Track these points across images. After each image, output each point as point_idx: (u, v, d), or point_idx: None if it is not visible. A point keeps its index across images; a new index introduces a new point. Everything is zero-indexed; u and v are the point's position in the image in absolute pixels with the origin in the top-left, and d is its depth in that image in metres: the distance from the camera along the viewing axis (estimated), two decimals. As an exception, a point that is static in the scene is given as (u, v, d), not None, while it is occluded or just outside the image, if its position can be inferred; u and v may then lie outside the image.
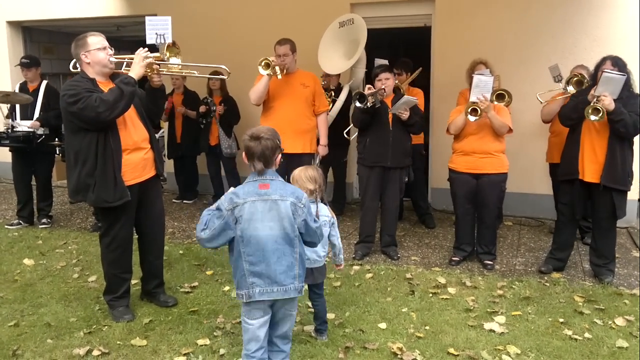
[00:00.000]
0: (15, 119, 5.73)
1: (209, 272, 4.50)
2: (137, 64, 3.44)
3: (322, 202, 3.19)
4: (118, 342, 3.35)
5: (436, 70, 6.43)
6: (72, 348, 3.27)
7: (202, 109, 6.60)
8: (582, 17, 5.82)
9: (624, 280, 4.38)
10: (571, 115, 4.23)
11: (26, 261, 4.77)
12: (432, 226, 5.92)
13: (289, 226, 2.54)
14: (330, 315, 3.63)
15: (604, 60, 4.17)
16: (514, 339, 3.39)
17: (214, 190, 7.05)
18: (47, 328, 3.54)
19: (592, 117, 3.98)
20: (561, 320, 3.62)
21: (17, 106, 5.78)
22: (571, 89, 4.63)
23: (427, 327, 3.52)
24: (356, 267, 4.60)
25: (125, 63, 3.59)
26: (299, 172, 3.17)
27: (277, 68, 4.63)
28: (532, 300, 3.94)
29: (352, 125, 5.43)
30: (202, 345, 3.30)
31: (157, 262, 3.90)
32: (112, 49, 3.55)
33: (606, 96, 3.96)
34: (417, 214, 6.15)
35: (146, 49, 3.50)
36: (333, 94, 5.94)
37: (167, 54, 3.62)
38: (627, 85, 4.06)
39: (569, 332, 3.44)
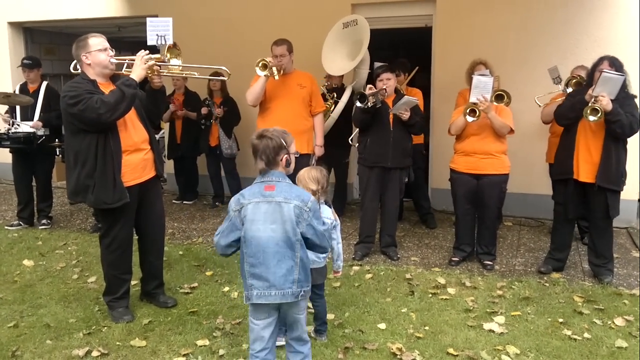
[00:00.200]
0: (16, 120, 5.73)
1: (208, 273, 4.50)
2: (138, 66, 3.44)
3: (325, 204, 3.19)
4: (117, 343, 3.35)
5: (437, 71, 6.43)
6: (72, 349, 3.27)
7: (204, 110, 6.61)
8: (584, 18, 5.82)
9: (624, 280, 4.37)
10: (568, 114, 4.23)
11: (26, 262, 4.77)
12: (434, 226, 5.92)
13: (291, 230, 2.49)
14: (329, 316, 3.63)
15: (601, 60, 4.17)
16: (514, 339, 3.38)
17: (214, 191, 7.05)
18: (47, 329, 3.54)
19: (591, 118, 3.98)
20: (561, 320, 3.61)
21: (17, 107, 5.79)
22: (570, 91, 4.63)
23: (427, 328, 3.52)
24: (356, 268, 4.60)
25: (126, 64, 3.60)
26: (302, 173, 3.17)
27: (274, 69, 4.62)
28: (532, 301, 3.94)
29: (356, 131, 5.41)
30: (201, 346, 3.30)
31: (157, 262, 3.90)
32: (113, 50, 3.55)
33: (604, 96, 3.96)
34: (418, 214, 6.15)
35: (147, 51, 3.51)
36: (335, 95, 5.93)
37: (168, 55, 3.62)
38: (624, 85, 4.06)
39: (569, 332, 3.44)
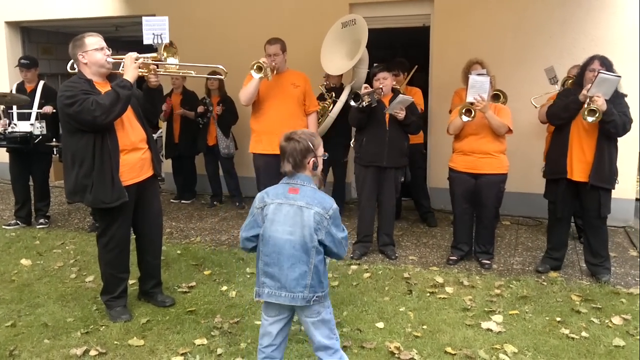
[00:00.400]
0: (12, 120, 5.72)
1: (206, 272, 4.50)
2: (130, 67, 3.44)
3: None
4: (115, 342, 3.34)
5: (435, 70, 6.44)
6: (69, 348, 3.27)
7: (200, 109, 6.60)
8: (581, 18, 5.83)
9: (621, 279, 4.38)
10: (561, 114, 4.24)
11: (23, 261, 4.76)
12: (434, 224, 5.94)
13: (309, 235, 2.47)
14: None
15: (592, 59, 4.18)
16: (511, 337, 3.39)
17: (212, 190, 7.05)
18: (44, 328, 3.53)
19: (589, 119, 3.99)
20: (558, 319, 3.62)
21: (14, 107, 5.77)
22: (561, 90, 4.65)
23: (425, 327, 3.53)
24: (354, 267, 4.60)
25: (122, 64, 3.58)
26: None
27: (268, 70, 4.60)
28: (530, 300, 3.94)
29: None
30: (199, 345, 3.30)
31: (154, 262, 3.90)
32: (110, 49, 3.54)
33: (599, 97, 3.97)
34: (419, 212, 6.16)
35: (135, 53, 3.50)
36: (334, 95, 5.93)
37: (165, 54, 3.62)
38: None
39: (566, 331, 3.45)
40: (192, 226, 6.02)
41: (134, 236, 3.82)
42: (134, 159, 3.54)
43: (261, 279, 2.55)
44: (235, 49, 6.75)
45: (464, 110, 4.40)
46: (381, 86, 4.68)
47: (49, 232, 5.71)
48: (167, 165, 7.47)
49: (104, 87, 3.45)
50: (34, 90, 5.83)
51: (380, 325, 3.54)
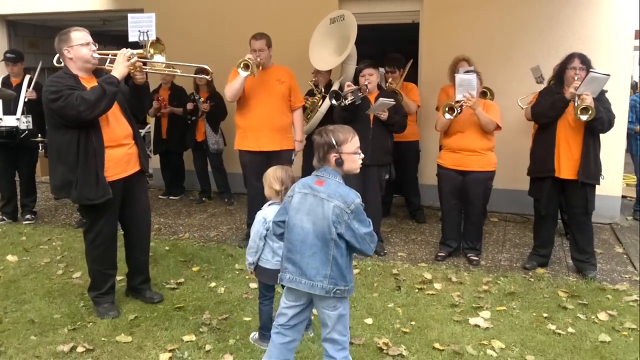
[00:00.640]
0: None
1: (195, 269, 4.48)
2: (121, 64, 3.40)
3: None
4: (103, 339, 3.32)
5: (424, 67, 6.45)
6: (56, 345, 3.24)
7: (190, 106, 6.56)
8: (569, 16, 5.87)
9: (607, 276, 4.43)
10: (548, 113, 4.25)
11: (10, 257, 4.71)
12: (423, 221, 5.97)
13: (327, 227, 2.49)
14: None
15: (571, 57, 4.22)
16: (499, 333, 3.42)
17: (200, 186, 7.02)
18: (31, 325, 3.50)
19: (583, 117, 4.01)
20: (545, 315, 3.65)
21: (0, 101, 5.70)
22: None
23: (413, 323, 3.54)
24: (343, 263, 4.60)
25: (109, 59, 3.55)
26: (268, 172, 3.20)
27: (255, 68, 4.57)
28: (517, 296, 3.97)
29: None
30: (187, 342, 3.29)
31: (142, 258, 3.87)
32: (96, 44, 3.50)
33: (588, 95, 4.00)
34: (408, 210, 6.18)
35: (129, 49, 3.47)
36: (323, 91, 5.92)
37: (152, 51, 3.58)
38: None
39: (553, 327, 3.48)
40: (180, 222, 5.99)
41: (122, 232, 3.80)
42: (120, 154, 3.50)
43: (284, 264, 2.62)
44: (223, 44, 6.72)
45: (447, 109, 4.42)
46: (366, 82, 4.68)
47: (35, 228, 5.66)
48: (155, 161, 7.43)
49: (89, 83, 3.41)
50: (20, 85, 5.76)
51: (369, 321, 3.55)
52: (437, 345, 3.25)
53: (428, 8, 6.32)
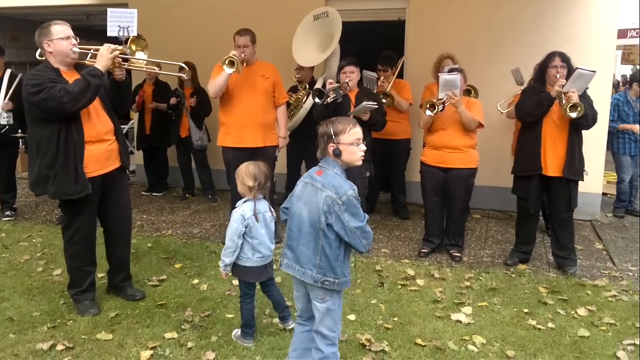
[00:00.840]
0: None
1: (177, 265, 4.45)
2: (104, 56, 3.35)
3: (264, 198, 3.19)
4: (83, 337, 3.29)
5: (410, 65, 6.46)
6: (35, 343, 3.20)
7: (173, 101, 6.51)
8: (553, 15, 5.91)
9: (587, 272, 4.49)
10: (534, 112, 4.27)
11: (-11, 254, 4.66)
12: (406, 217, 5.99)
13: (318, 217, 2.52)
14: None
15: (552, 56, 4.25)
16: (480, 329, 3.44)
17: (184, 182, 6.97)
18: (10, 323, 3.46)
19: (572, 114, 4.03)
20: (526, 310, 3.69)
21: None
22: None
23: (396, 319, 3.56)
24: (326, 260, 4.60)
25: (90, 54, 3.50)
26: (240, 168, 3.18)
27: (239, 64, 4.53)
28: (498, 291, 4.01)
29: None
30: (169, 339, 3.27)
31: (123, 255, 3.84)
32: (77, 38, 3.45)
33: (574, 92, 4.04)
34: (393, 207, 6.20)
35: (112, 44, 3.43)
36: (307, 87, 5.91)
37: (133, 47, 3.54)
38: None
39: (533, 322, 3.52)
40: (163, 219, 5.95)
41: (102, 229, 3.76)
42: (100, 150, 3.47)
43: (284, 249, 2.67)
44: (209, 39, 6.69)
45: (428, 105, 4.44)
46: (347, 80, 4.67)
47: (15, 225, 5.58)
48: (138, 157, 7.38)
49: (71, 77, 3.37)
50: (1, 79, 5.66)
51: (352, 317, 3.55)
52: (419, 340, 3.26)
53: (414, 5, 6.33)
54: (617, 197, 6.36)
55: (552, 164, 4.25)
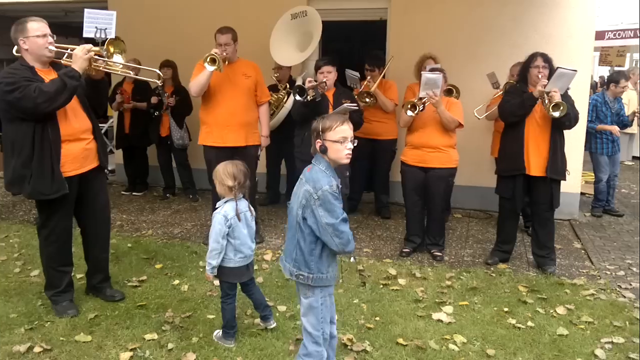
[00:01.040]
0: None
1: (158, 266, 4.41)
2: (79, 57, 3.29)
3: (243, 197, 3.17)
4: (61, 338, 3.24)
5: (391, 65, 6.47)
6: (12, 345, 3.14)
7: (154, 99, 6.44)
8: (532, 15, 5.97)
9: (566, 271, 4.54)
10: (517, 112, 4.30)
11: (-37, 255, 4.56)
12: (388, 216, 6.01)
13: (295, 210, 2.55)
14: (281, 308, 3.63)
15: (534, 56, 4.30)
16: (461, 328, 3.47)
17: (164, 182, 6.90)
18: (-15, 325, 3.39)
19: (555, 114, 4.07)
20: (506, 309, 3.72)
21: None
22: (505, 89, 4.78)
23: (377, 318, 3.56)
24: (308, 260, 4.59)
25: (67, 53, 3.43)
26: (218, 167, 3.16)
27: (221, 62, 4.50)
28: (479, 291, 4.04)
29: None
30: (149, 340, 3.23)
31: (102, 256, 3.79)
32: (54, 36, 3.39)
33: (556, 92, 4.08)
34: (375, 206, 6.21)
35: (90, 45, 3.38)
36: (288, 86, 5.90)
37: (111, 49, 3.49)
38: None
39: (513, 321, 3.55)
40: (143, 219, 5.88)
41: (79, 229, 3.70)
42: (77, 149, 3.41)
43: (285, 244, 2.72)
44: (189, 38, 6.63)
45: (409, 105, 4.46)
46: (324, 79, 4.67)
47: (-9, 225, 5.49)
48: (118, 156, 7.28)
49: (47, 75, 3.31)
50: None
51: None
52: (400, 340, 3.27)
53: (396, 5, 6.35)
54: (595, 197, 6.46)
55: (535, 164, 4.29)
